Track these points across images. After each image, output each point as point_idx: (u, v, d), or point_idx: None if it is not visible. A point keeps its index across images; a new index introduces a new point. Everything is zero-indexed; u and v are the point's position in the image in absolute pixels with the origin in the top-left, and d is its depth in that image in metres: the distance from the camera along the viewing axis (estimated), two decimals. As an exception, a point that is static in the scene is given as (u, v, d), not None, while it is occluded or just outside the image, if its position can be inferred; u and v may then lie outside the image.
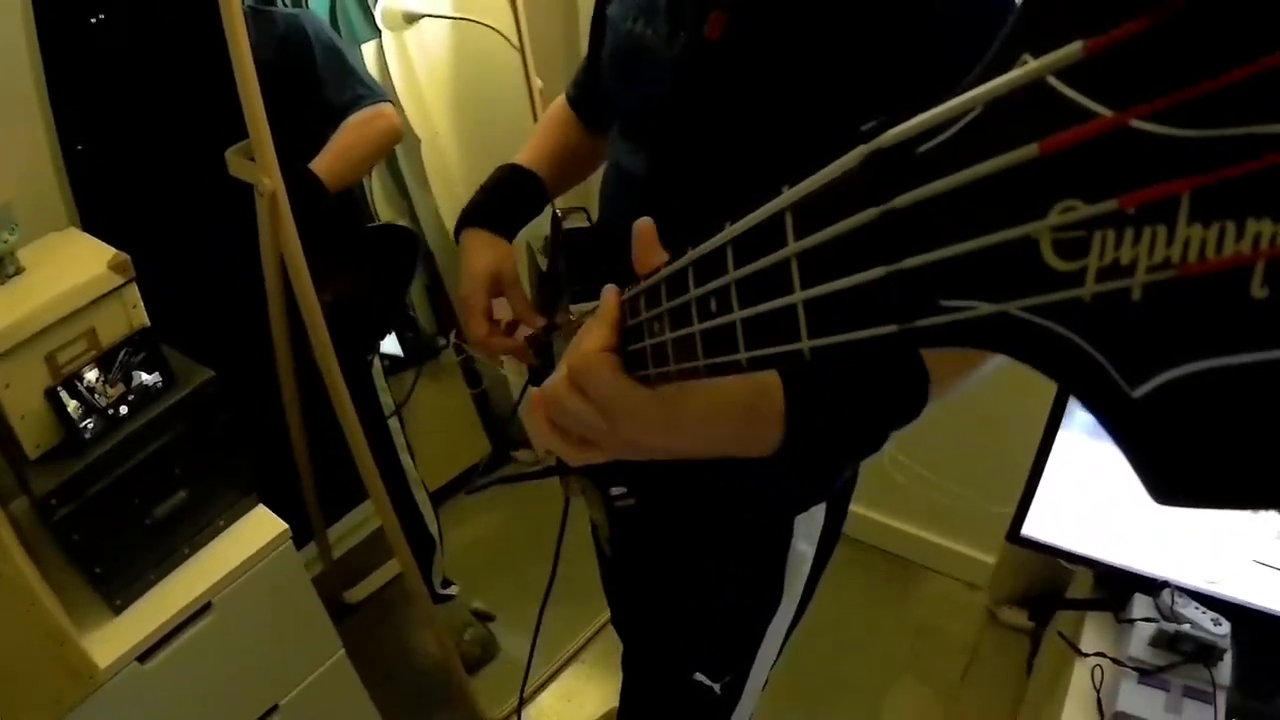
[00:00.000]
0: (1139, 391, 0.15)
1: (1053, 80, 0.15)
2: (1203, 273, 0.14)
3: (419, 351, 1.99)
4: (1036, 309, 0.16)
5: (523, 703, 1.63)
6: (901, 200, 0.18)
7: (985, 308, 0.17)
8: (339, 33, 1.55)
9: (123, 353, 1.11)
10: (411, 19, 1.69)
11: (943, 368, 0.53)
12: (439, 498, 1.87)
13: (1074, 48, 0.15)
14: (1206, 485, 0.15)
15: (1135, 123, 0.14)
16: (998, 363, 0.57)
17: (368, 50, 1.68)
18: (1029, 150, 0.16)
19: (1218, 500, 0.15)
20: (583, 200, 0.89)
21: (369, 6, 1.69)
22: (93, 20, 1.28)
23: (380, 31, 1.69)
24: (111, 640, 1.09)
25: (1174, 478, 0.15)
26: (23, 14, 1.17)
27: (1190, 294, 0.14)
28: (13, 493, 1.20)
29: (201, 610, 1.16)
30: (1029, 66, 0.16)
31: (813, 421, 0.48)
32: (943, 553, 1.94)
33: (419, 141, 1.81)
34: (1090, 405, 0.17)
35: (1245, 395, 0.14)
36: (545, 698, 1.77)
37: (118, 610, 1.13)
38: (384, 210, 1.88)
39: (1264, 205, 0.13)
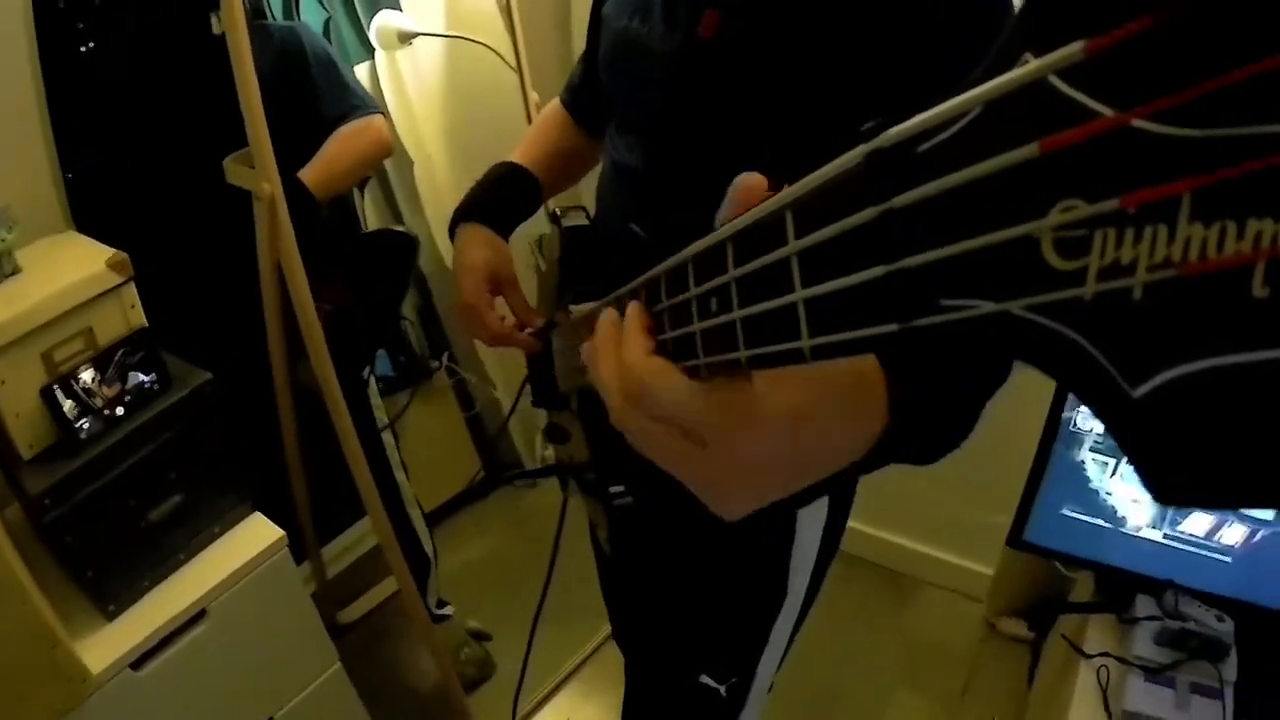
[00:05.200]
0: (1139, 391, 0.15)
1: (1054, 79, 0.15)
2: (1203, 272, 0.14)
3: (412, 373, 1.99)
4: (1038, 308, 0.16)
5: None
6: (901, 199, 0.19)
7: (986, 307, 0.17)
8: (333, 51, 1.56)
9: (120, 353, 1.11)
10: (405, 37, 1.67)
11: None
12: (432, 520, 1.86)
13: (1075, 47, 0.15)
14: (1207, 485, 0.15)
15: (1136, 122, 0.14)
16: None
17: (361, 71, 1.67)
18: (1030, 150, 0.16)
19: (1218, 499, 0.15)
20: (580, 199, 0.89)
21: (363, 26, 1.68)
22: (83, 49, 1.31)
23: (374, 52, 1.69)
24: (104, 646, 1.08)
25: (1175, 477, 0.15)
26: (25, 32, 1.19)
27: (1191, 293, 0.14)
28: (6, 495, 1.19)
29: (196, 617, 1.15)
30: (1030, 66, 0.16)
31: (915, 405, 0.40)
32: (939, 565, 1.93)
33: (411, 163, 1.79)
34: (1091, 405, 0.17)
35: (1245, 395, 0.14)
36: (543, 716, 1.75)
37: (111, 616, 1.12)
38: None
39: (1264, 205, 0.13)
